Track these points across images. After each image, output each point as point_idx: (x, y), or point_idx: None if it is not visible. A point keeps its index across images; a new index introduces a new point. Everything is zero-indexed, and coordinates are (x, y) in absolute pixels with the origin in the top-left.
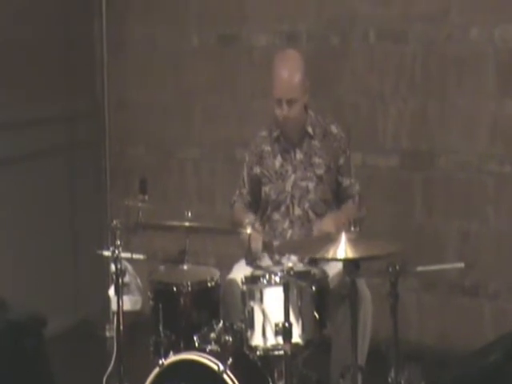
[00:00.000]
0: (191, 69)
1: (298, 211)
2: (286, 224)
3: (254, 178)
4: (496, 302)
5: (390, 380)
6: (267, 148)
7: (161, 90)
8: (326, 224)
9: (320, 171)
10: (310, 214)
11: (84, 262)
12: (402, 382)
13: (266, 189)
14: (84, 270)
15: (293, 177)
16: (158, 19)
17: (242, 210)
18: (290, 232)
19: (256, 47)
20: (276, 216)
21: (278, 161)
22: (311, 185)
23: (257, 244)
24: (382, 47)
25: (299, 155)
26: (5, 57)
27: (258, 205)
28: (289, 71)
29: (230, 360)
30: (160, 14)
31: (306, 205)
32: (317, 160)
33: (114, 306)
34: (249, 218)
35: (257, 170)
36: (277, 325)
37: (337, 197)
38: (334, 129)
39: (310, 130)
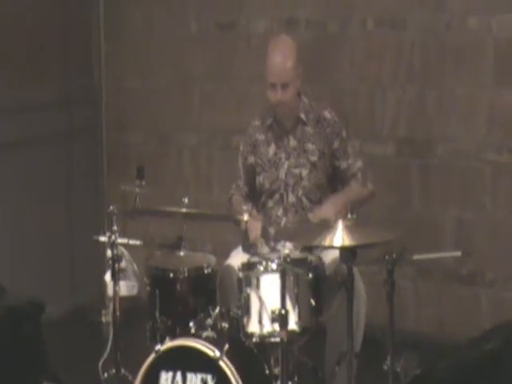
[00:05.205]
0: (189, 55)
1: (291, 198)
2: (280, 211)
3: (249, 167)
4: (493, 290)
5: (385, 368)
6: (261, 137)
7: (158, 76)
8: (325, 210)
9: (313, 157)
10: (304, 200)
11: (81, 248)
12: (398, 369)
13: (259, 178)
14: (81, 255)
15: (286, 164)
16: (156, 5)
17: (239, 201)
18: (284, 219)
19: (254, 34)
20: (270, 204)
21: (272, 149)
22: (305, 171)
23: (256, 230)
24: (380, 34)
25: (292, 142)
26: (1, 42)
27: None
28: (281, 56)
29: (226, 346)
30: (161, 0)
31: (300, 192)
32: (310, 146)
33: (110, 292)
34: (246, 206)
35: (251, 159)
36: (273, 312)
37: (337, 180)
38: (327, 114)
39: (303, 116)
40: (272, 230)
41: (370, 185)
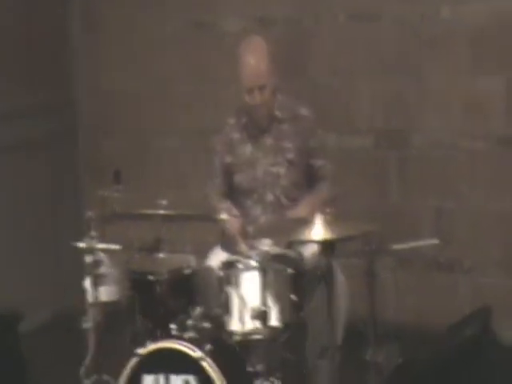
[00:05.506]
0: (167, 56)
1: (269, 197)
2: (259, 210)
3: (225, 166)
4: (471, 277)
5: (367, 358)
6: (236, 136)
7: (136, 78)
8: (301, 212)
9: (290, 155)
10: (282, 199)
11: (61, 254)
12: (380, 360)
13: (237, 177)
14: (61, 261)
15: (263, 163)
16: (133, 7)
17: (216, 199)
18: (262, 218)
19: (231, 33)
20: (248, 203)
21: (248, 148)
22: (282, 170)
23: (235, 229)
24: (354, 28)
25: (269, 140)
26: None
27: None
28: (255, 59)
29: (208, 346)
30: (136, 1)
31: (278, 190)
32: (286, 144)
33: (90, 298)
34: (224, 204)
35: (228, 158)
36: (254, 309)
37: (309, 179)
38: (303, 111)
39: (278, 114)
40: (250, 228)
41: (337, 188)
